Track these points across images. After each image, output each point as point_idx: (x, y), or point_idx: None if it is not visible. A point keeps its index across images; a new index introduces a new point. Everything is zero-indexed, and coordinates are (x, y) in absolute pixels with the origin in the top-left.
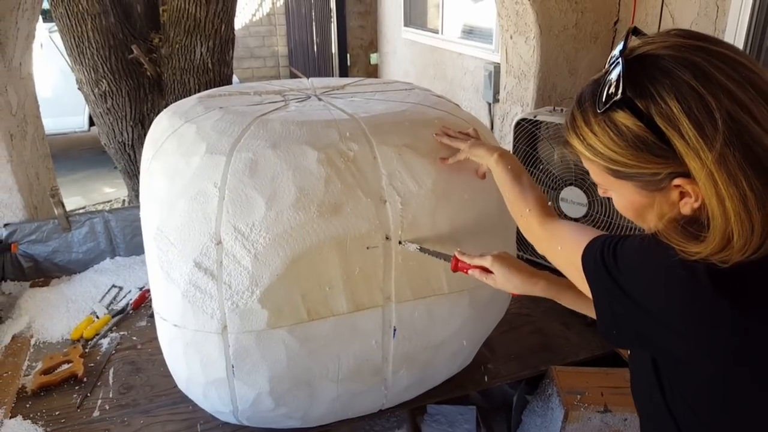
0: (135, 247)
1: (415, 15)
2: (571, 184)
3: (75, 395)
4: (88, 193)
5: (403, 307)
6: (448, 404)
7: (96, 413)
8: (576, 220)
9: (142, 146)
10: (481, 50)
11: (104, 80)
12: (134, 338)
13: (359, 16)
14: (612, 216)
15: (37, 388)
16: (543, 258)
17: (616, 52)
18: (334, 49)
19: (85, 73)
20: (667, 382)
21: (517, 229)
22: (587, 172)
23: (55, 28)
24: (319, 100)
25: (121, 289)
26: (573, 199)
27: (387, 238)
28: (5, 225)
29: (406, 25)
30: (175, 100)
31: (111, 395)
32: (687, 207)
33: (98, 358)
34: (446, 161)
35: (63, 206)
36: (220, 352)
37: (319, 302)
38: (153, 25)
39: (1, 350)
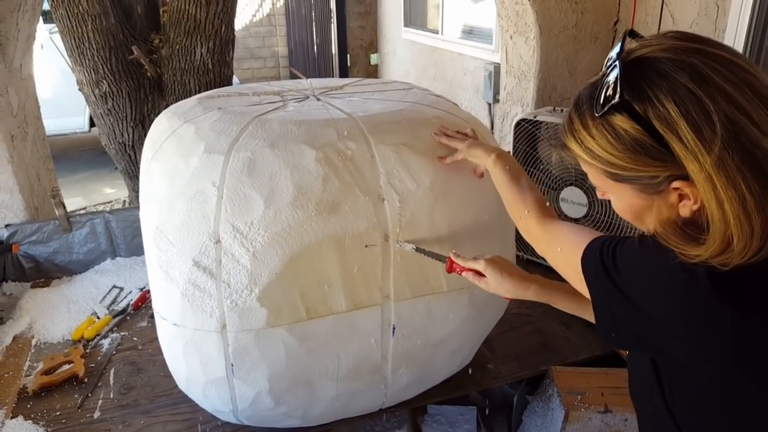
0: (136, 247)
1: (415, 15)
2: (571, 185)
3: (76, 396)
4: (88, 194)
5: (402, 305)
6: (448, 404)
7: (97, 414)
8: (576, 220)
9: (143, 147)
10: (481, 50)
11: (105, 81)
12: (135, 339)
13: (359, 16)
14: (612, 216)
15: (38, 388)
16: (543, 258)
17: (613, 54)
18: (334, 49)
19: (86, 74)
20: (667, 383)
21: (516, 228)
22: (587, 174)
23: (56, 29)
24: (318, 100)
25: (121, 289)
26: (573, 199)
27: (386, 239)
28: (6, 226)
29: (406, 25)
30: (176, 101)
31: (112, 396)
32: (686, 209)
33: (99, 358)
34: (444, 160)
35: (64, 207)
36: (220, 351)
37: (317, 301)
38: (153, 26)
39: (3, 351)
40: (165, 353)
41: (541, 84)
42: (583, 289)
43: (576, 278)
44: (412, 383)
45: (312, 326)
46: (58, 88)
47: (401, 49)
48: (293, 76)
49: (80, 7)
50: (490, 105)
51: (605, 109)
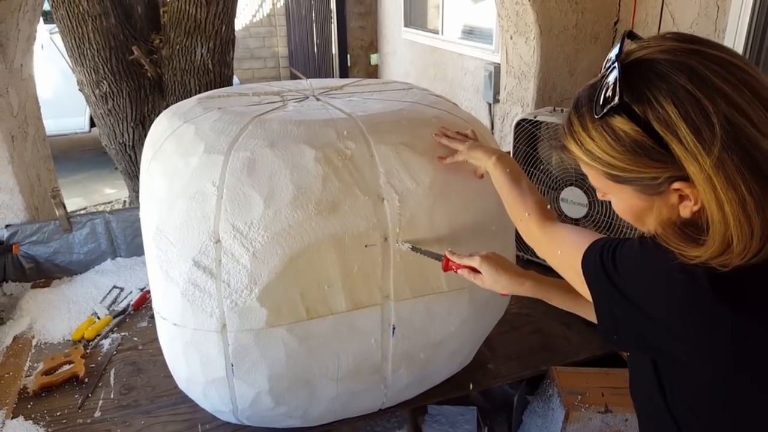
0: (136, 248)
1: (415, 15)
2: (571, 185)
3: (76, 396)
4: (89, 194)
5: (402, 305)
6: (448, 404)
7: (97, 414)
8: (576, 220)
9: (143, 147)
10: (481, 51)
11: (105, 81)
12: (135, 339)
13: (359, 16)
14: (612, 217)
15: (38, 388)
16: (543, 259)
17: (612, 56)
18: (335, 49)
19: (86, 75)
20: (668, 383)
21: (517, 229)
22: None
23: (56, 29)
24: (317, 100)
25: (122, 290)
26: (573, 199)
27: (385, 240)
28: (6, 226)
29: (406, 25)
30: (176, 101)
31: (112, 396)
32: (687, 210)
33: (99, 358)
34: (444, 161)
35: (64, 207)
36: (220, 350)
37: (317, 301)
38: (153, 27)
39: (3, 351)
40: (165, 353)
41: (541, 84)
42: (584, 290)
43: (577, 280)
44: (412, 383)
45: (312, 326)
46: (59, 88)
47: (401, 50)
48: (293, 77)
49: (81, 7)
50: (490, 105)
51: (605, 110)
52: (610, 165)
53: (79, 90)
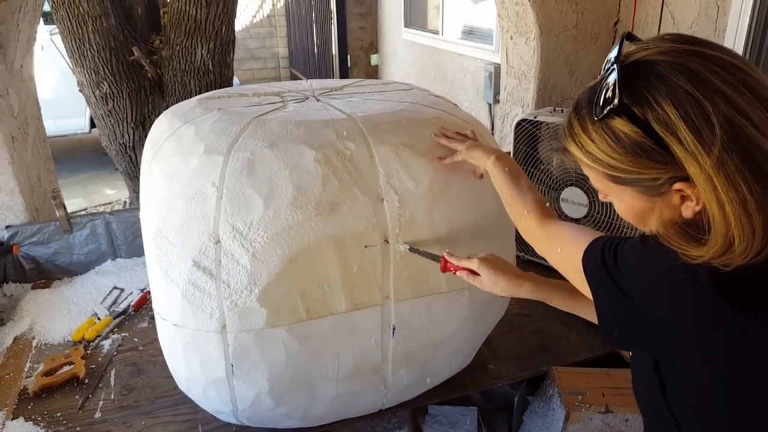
0: (136, 248)
1: (416, 16)
2: (571, 185)
3: (77, 397)
4: (89, 195)
5: (402, 305)
6: (449, 405)
7: (98, 414)
8: (577, 220)
9: (143, 148)
10: (482, 51)
11: (105, 82)
12: (135, 340)
13: (359, 17)
14: (612, 217)
15: (38, 389)
16: (543, 258)
17: (611, 57)
18: (335, 50)
19: (86, 75)
20: (668, 383)
21: (516, 228)
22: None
23: (56, 30)
24: (317, 100)
25: (122, 290)
26: (574, 199)
27: (386, 241)
28: (7, 227)
29: (406, 26)
30: (176, 102)
31: (112, 397)
32: (689, 210)
33: (100, 359)
34: (443, 161)
35: (64, 208)
36: (220, 351)
37: (317, 301)
38: (154, 27)
39: (3, 352)
40: (165, 354)
41: (541, 84)
42: (584, 288)
43: (577, 278)
44: (412, 384)
45: (312, 326)
46: (59, 89)
47: (401, 50)
48: (293, 77)
49: (81, 8)
50: (490, 105)
51: (604, 112)
52: (611, 166)
53: (80, 91)
